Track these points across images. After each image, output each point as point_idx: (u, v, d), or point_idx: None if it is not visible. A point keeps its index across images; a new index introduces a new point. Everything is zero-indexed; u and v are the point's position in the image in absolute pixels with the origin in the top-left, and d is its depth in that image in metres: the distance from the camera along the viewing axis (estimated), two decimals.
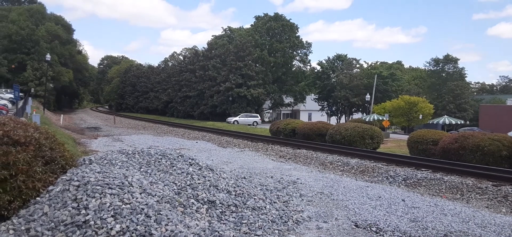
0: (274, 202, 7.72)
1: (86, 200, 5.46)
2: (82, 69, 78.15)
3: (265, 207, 7.23)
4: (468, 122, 56.91)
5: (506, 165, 13.93)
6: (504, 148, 14.27)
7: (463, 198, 9.62)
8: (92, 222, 4.99)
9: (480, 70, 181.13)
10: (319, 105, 69.55)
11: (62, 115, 40.72)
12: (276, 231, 6.21)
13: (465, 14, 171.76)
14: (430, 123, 46.79)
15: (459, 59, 69.00)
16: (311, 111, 72.66)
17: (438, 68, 69.00)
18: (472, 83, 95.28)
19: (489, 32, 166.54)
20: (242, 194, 7.66)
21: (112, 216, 5.14)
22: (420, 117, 47.96)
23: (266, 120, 63.59)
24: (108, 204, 5.35)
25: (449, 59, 67.66)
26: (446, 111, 57.73)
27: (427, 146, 17.31)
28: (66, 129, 26.66)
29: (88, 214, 5.14)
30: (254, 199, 7.53)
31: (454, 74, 67.17)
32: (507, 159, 14.16)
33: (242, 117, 47.22)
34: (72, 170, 6.77)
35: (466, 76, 69.78)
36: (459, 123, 46.34)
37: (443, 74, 67.98)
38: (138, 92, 79.91)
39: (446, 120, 44.09)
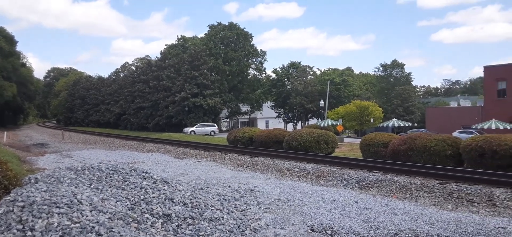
0: (232, 212, 7.69)
1: (32, 221, 5.16)
2: (26, 83, 74.10)
3: (222, 217, 7.17)
4: (415, 124, 59.93)
5: (451, 163, 14.79)
6: (449, 148, 15.15)
7: (412, 197, 10.08)
8: None
9: (425, 75, 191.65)
10: (275, 112, 70.48)
11: (5, 132, 38.32)
12: None
13: (410, 21, 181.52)
14: (381, 126, 48.85)
15: (405, 65, 72.97)
16: (268, 119, 73.44)
17: (386, 73, 72.34)
18: (418, 87, 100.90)
19: (433, 38, 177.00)
20: (199, 205, 7.56)
21: (60, 236, 4.89)
22: (371, 121, 49.95)
23: (224, 129, 63.45)
24: (56, 224, 5.09)
25: (396, 65, 71.22)
26: (395, 114, 60.51)
27: (378, 148, 18.00)
28: (10, 147, 25.09)
29: (34, 236, 4.86)
30: (211, 210, 7.45)
31: (401, 79, 70.71)
32: (451, 157, 15.04)
33: (199, 127, 46.79)
34: (16, 190, 6.39)
35: (412, 80, 73.79)
36: (407, 125, 48.73)
37: (391, 79, 71.37)
38: (88, 105, 76.91)
39: (395, 122, 46.22)
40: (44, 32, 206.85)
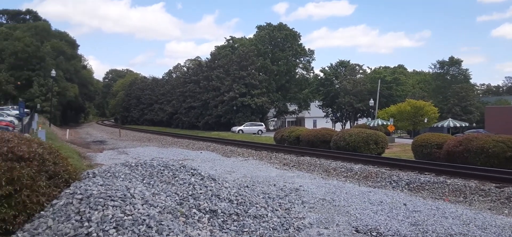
0: (276, 210, 7.78)
1: (89, 212, 5.56)
2: (87, 84, 79.01)
3: (266, 215, 7.28)
4: (474, 124, 56.58)
5: (511, 166, 13.86)
6: (509, 149, 14.20)
7: (465, 201, 9.61)
8: (94, 234, 5.08)
9: (486, 72, 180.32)
10: (323, 112, 69.59)
11: (68, 130, 41.12)
12: None
13: (469, 16, 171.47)
14: (435, 126, 46.55)
15: (462, 61, 69.00)
16: (316, 118, 72.70)
17: (443, 71, 68.87)
18: (478, 85, 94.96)
19: (494, 34, 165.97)
20: (244, 202, 7.72)
21: (114, 227, 5.23)
22: (425, 120, 47.81)
23: (271, 128, 63.69)
24: (110, 216, 5.45)
25: (454, 62, 67.58)
26: (452, 114, 57.49)
27: (432, 149, 17.28)
28: (72, 143, 26.92)
29: (90, 227, 5.24)
30: (256, 207, 7.59)
31: (459, 77, 67.00)
32: (511, 160, 14.09)
33: (247, 126, 47.32)
34: (75, 184, 6.89)
35: (471, 78, 69.69)
36: (464, 125, 46.11)
37: (448, 77, 67.86)
38: (143, 104, 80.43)
39: (450, 122, 43.88)
40: (103, 36, 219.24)
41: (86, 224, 5.31)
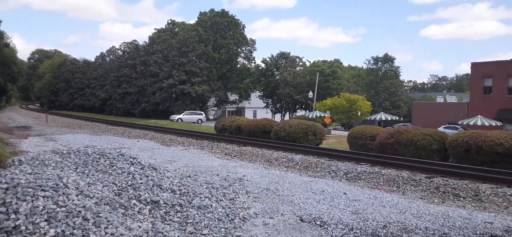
0: (220, 200, 7.62)
1: (16, 203, 5.00)
2: (10, 64, 72.11)
3: (211, 205, 7.10)
4: (402, 118, 60.55)
5: (437, 158, 14.96)
6: (435, 142, 15.33)
7: (399, 190, 10.15)
8: (23, 227, 4.58)
9: (413, 70, 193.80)
10: (264, 102, 70.37)
11: None
12: (223, 229, 6.12)
13: (401, 16, 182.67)
14: (368, 119, 49.21)
15: (395, 59, 73.26)
16: (256, 109, 73.34)
17: (376, 66, 72.66)
18: (406, 81, 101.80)
19: (422, 34, 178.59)
20: (187, 193, 7.47)
21: (45, 220, 4.75)
22: (359, 114, 50.29)
23: (211, 117, 63.14)
24: (41, 207, 4.94)
25: (387, 58, 71.52)
26: (382, 108, 61.00)
27: (366, 141, 18.12)
28: None
29: (18, 219, 4.71)
30: (200, 197, 7.37)
31: (390, 73, 71.11)
32: (437, 152, 15.21)
33: (186, 115, 46.40)
34: None
35: (400, 75, 74.30)
36: (394, 119, 49.19)
37: (380, 73, 71.74)
38: (72, 89, 75.56)
39: (382, 116, 46.57)
40: (31, 12, 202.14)
41: (12, 216, 4.77)
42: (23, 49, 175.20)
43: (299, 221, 6.78)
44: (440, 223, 6.83)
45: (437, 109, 49.19)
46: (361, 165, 13.32)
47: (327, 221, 6.77)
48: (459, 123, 35.96)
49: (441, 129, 30.06)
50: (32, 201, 5.02)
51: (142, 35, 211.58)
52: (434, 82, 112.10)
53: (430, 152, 15.21)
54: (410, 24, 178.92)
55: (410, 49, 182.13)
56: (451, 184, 10.24)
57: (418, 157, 14.93)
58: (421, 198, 9.26)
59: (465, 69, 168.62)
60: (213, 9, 61.07)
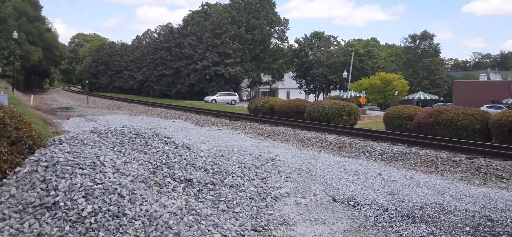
0: (253, 179, 7.63)
1: (56, 180, 5.21)
2: (52, 48, 75.17)
3: (243, 184, 7.13)
4: (442, 98, 58.30)
5: (479, 138, 14.30)
6: (477, 122, 14.64)
7: (437, 171, 9.79)
8: (62, 203, 4.77)
9: (455, 47, 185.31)
10: (297, 83, 69.70)
11: (32, 95, 39.27)
12: (254, 208, 6.13)
13: None
14: (406, 98, 47.67)
15: (435, 36, 70.16)
16: (289, 89, 72.83)
17: (414, 45, 69.97)
18: (446, 59, 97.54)
19: (464, 10, 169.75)
20: (220, 172, 7.53)
21: (83, 196, 4.92)
22: (396, 93, 48.83)
23: (245, 98, 63.39)
24: (78, 185, 5.12)
25: (426, 36, 68.63)
26: (421, 87, 58.87)
27: (403, 121, 17.58)
28: (37, 109, 25.74)
29: (57, 195, 4.91)
30: (232, 176, 7.41)
31: (429, 51, 68.32)
32: (479, 132, 14.53)
33: (220, 96, 46.82)
34: (40, 150, 6.47)
35: (440, 53, 71.24)
36: (433, 98, 47.42)
37: (419, 51, 69.06)
38: (111, 71, 77.96)
39: (421, 95, 44.95)
40: None
41: (52, 193, 4.97)
42: (65, 34, 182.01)
43: (332, 201, 6.69)
44: (481, 205, 6.52)
45: (480, 88, 46.96)
46: (398, 145, 12.95)
47: (360, 201, 6.64)
48: (503, 102, 34.15)
49: (483, 108, 28.71)
50: (71, 179, 5.21)
51: (178, 18, 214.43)
52: (477, 60, 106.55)
53: (472, 132, 14.55)
54: (451, 0, 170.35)
55: (451, 27, 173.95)
56: (493, 165, 9.76)
57: (459, 137, 14.32)
58: (461, 179, 8.89)
59: (511, 46, 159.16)
60: None
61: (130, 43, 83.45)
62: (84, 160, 5.88)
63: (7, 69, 50.02)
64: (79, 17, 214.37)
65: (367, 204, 6.48)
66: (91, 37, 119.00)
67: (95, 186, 5.18)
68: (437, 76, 63.05)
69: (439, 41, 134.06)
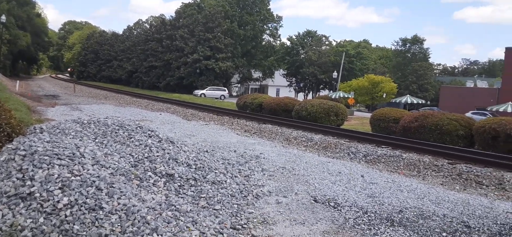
0: (235, 176, 7.61)
1: (32, 170, 5.11)
2: (41, 33, 73.99)
3: (225, 181, 7.10)
4: (429, 102, 58.98)
5: (462, 144, 14.50)
6: (461, 128, 14.83)
7: (419, 175, 9.90)
8: (37, 194, 4.68)
9: (445, 53, 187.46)
10: (287, 81, 69.81)
11: (18, 81, 38.58)
12: (235, 205, 6.12)
13: None
14: (393, 101, 48.15)
15: (425, 40, 70.85)
16: (280, 87, 72.91)
17: (404, 48, 70.56)
18: (435, 64, 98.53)
19: (456, 16, 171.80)
20: (203, 167, 7.48)
21: (59, 188, 4.83)
22: (384, 96, 49.25)
23: (234, 93, 63.26)
24: (55, 176, 5.03)
25: (416, 40, 69.24)
26: (409, 91, 59.47)
27: (389, 124, 17.72)
28: (22, 96, 25.30)
29: (33, 186, 4.82)
30: (215, 173, 7.38)
31: (419, 55, 68.99)
32: (463, 138, 14.73)
33: (209, 90, 46.63)
34: (19, 139, 6.35)
35: (429, 57, 71.99)
36: (420, 102, 47.99)
37: (408, 55, 69.69)
38: (100, 60, 76.98)
39: (408, 99, 45.45)
40: None
41: (28, 183, 4.88)
42: (56, 20, 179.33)
43: (313, 202, 6.71)
44: (459, 211, 6.61)
45: (466, 94, 47.64)
46: (382, 147, 13.06)
47: (341, 202, 6.68)
48: (488, 109, 34.70)
49: (468, 114, 29.13)
50: (48, 169, 5.12)
51: (171, 9, 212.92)
52: (465, 66, 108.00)
53: (456, 138, 14.74)
54: (444, 6, 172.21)
55: (443, 32, 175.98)
56: (474, 171, 9.91)
57: (443, 142, 14.50)
58: (441, 184, 9.00)
59: (499, 54, 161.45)
60: None
61: (121, 32, 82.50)
62: (63, 150, 5.78)
63: None
64: (72, 4, 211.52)
65: (348, 206, 6.52)
66: (82, 24, 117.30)
67: (72, 178, 5.10)
68: (425, 80, 63.73)
69: (430, 46, 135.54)
